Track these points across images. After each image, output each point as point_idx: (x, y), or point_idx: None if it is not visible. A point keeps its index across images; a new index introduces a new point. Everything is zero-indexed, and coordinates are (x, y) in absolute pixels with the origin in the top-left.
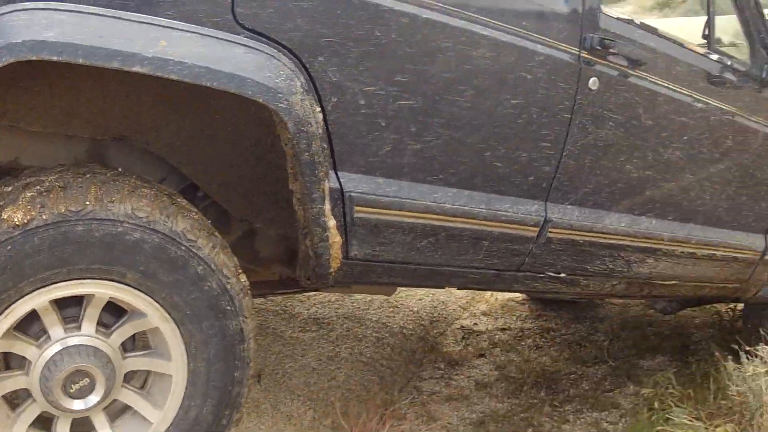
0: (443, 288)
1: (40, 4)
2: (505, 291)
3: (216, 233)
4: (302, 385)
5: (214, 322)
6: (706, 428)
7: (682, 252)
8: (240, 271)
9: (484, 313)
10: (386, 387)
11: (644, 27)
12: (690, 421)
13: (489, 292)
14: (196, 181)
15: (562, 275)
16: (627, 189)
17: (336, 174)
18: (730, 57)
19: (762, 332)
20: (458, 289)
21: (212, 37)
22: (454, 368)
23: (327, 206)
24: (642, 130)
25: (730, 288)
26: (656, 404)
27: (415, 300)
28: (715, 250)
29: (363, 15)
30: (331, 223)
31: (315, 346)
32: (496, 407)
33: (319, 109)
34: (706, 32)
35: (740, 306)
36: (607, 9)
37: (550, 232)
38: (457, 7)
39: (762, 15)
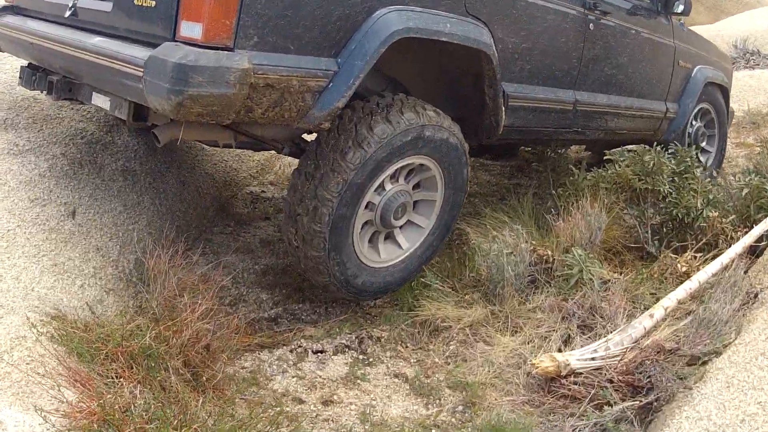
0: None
1: (401, 7)
2: None
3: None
4: (110, 224)
5: (458, 168)
6: (456, 294)
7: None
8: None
9: (271, 183)
10: (181, 234)
11: None
12: (442, 287)
13: (278, 164)
14: (412, 90)
15: None
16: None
17: (501, 83)
18: None
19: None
20: None
21: (461, 20)
22: (242, 227)
23: (501, 100)
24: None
25: None
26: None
27: (210, 165)
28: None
29: (506, 5)
30: (503, 108)
31: (122, 195)
32: (276, 262)
33: (494, 50)
34: None
35: None
36: None
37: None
38: None
39: None
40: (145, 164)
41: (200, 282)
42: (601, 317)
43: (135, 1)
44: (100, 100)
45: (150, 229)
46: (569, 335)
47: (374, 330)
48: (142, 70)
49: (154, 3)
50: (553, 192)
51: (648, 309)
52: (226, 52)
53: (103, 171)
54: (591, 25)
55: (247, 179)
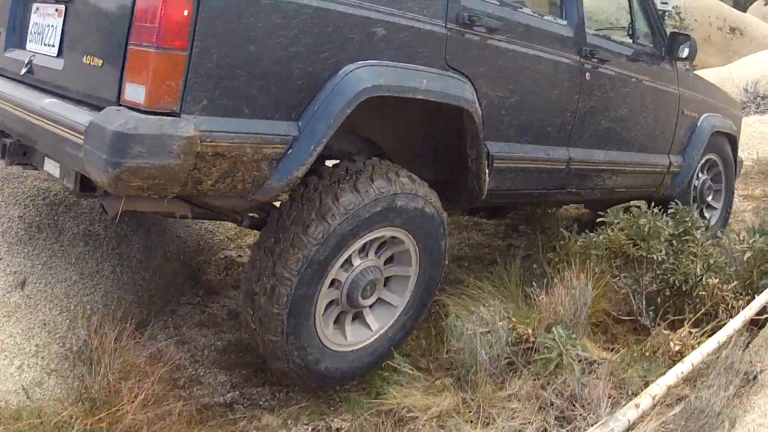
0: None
1: (372, 62)
2: None
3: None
4: (62, 296)
5: (435, 240)
6: (427, 379)
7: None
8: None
9: (249, 246)
10: (143, 307)
11: (604, 36)
12: (412, 371)
13: None
14: (389, 152)
15: None
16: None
17: (485, 143)
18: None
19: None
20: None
21: (440, 75)
22: (211, 296)
23: (485, 161)
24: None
25: None
26: None
27: (183, 227)
28: None
29: (491, 56)
30: (486, 170)
31: (80, 262)
32: (240, 337)
33: (477, 106)
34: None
35: None
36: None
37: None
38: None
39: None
40: (109, 228)
41: (148, 364)
42: (582, 407)
43: (84, 60)
44: (51, 167)
45: (106, 300)
46: (545, 429)
47: (334, 420)
48: (83, 137)
49: (101, 62)
50: (542, 258)
51: (635, 396)
52: (170, 118)
53: (63, 235)
54: (587, 74)
55: (224, 242)
